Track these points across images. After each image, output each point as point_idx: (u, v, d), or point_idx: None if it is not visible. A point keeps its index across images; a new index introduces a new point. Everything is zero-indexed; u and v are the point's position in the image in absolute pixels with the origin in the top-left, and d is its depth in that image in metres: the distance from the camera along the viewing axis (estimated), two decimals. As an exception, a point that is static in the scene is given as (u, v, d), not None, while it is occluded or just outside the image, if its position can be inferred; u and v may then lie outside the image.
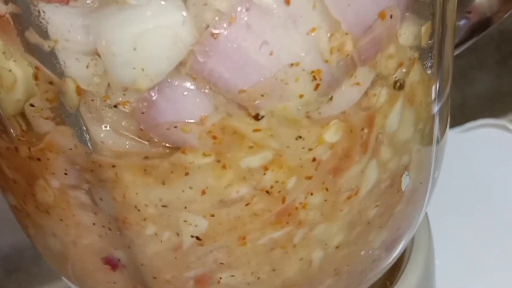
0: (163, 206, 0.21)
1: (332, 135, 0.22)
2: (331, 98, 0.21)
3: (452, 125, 0.56)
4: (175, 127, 0.20)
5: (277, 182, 0.22)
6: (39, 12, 0.19)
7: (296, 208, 0.22)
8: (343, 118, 0.22)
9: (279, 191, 0.22)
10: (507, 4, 0.33)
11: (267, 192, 0.22)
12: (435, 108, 0.26)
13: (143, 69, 0.19)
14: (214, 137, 0.20)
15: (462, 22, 0.34)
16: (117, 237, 0.23)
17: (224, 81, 0.19)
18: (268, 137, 0.21)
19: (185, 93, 0.20)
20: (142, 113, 0.20)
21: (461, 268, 0.43)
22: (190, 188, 0.21)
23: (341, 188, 0.23)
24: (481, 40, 0.35)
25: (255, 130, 0.20)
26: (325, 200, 0.23)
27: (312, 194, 0.22)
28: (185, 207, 0.21)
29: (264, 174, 0.21)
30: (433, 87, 0.25)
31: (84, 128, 0.20)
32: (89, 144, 0.21)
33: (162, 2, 0.18)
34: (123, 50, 0.19)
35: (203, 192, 0.21)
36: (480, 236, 0.46)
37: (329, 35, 0.20)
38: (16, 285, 0.56)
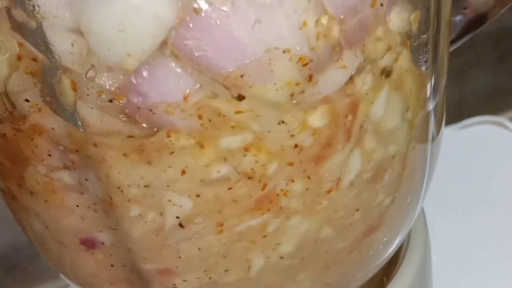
0: (146, 186, 0.21)
1: (317, 119, 0.21)
2: (316, 82, 0.21)
3: (449, 122, 0.56)
4: (157, 108, 0.20)
5: (257, 164, 0.21)
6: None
7: (277, 194, 0.22)
8: (327, 103, 0.21)
9: (261, 176, 0.22)
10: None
11: (249, 177, 0.21)
12: (431, 105, 0.26)
13: (128, 48, 0.19)
14: (200, 117, 0.20)
15: (458, 18, 0.34)
16: (102, 219, 0.23)
17: (206, 60, 0.19)
18: (249, 119, 0.20)
19: (168, 73, 0.19)
20: (125, 96, 0.20)
21: (458, 264, 0.43)
22: (170, 167, 0.21)
23: (323, 178, 0.23)
24: (478, 38, 0.35)
25: (237, 112, 0.20)
26: (307, 189, 0.23)
27: (293, 181, 0.22)
28: (168, 186, 0.21)
29: (244, 155, 0.21)
30: (428, 83, 0.25)
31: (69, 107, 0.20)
32: (73, 123, 0.21)
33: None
34: (106, 28, 0.18)
35: (183, 172, 0.21)
36: (477, 232, 0.46)
37: (316, 18, 0.20)
38: (14, 284, 0.56)
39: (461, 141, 0.53)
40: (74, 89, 0.20)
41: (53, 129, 0.21)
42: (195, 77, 0.20)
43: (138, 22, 0.18)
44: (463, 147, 0.52)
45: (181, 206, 0.22)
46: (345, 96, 0.22)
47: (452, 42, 0.34)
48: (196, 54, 0.19)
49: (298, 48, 0.20)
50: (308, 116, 0.21)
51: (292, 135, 0.21)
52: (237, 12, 0.19)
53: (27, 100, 0.21)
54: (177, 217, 0.22)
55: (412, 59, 0.23)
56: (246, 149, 0.21)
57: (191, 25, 0.19)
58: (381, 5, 0.21)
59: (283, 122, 0.21)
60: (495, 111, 0.63)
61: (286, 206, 0.23)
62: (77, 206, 0.23)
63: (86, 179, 0.22)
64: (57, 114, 0.21)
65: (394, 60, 0.22)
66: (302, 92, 0.21)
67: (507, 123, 0.54)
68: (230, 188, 0.22)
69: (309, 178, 0.22)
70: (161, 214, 0.22)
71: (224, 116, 0.20)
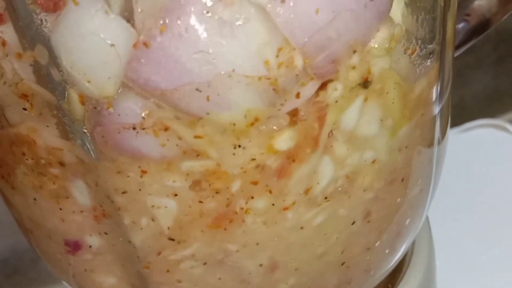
0: (123, 192, 0.22)
1: (284, 142, 0.21)
2: (279, 109, 0.20)
3: (450, 126, 0.56)
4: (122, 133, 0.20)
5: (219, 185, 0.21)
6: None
7: (236, 213, 0.22)
8: (294, 122, 0.21)
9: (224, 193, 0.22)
10: (506, 5, 0.33)
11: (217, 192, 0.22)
12: (436, 109, 0.26)
13: (90, 80, 0.19)
14: (163, 145, 0.20)
15: (461, 25, 0.34)
16: (90, 224, 0.23)
17: (160, 91, 0.19)
18: (206, 144, 0.20)
19: (129, 102, 0.20)
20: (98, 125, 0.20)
21: (461, 269, 0.43)
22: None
23: (289, 191, 0.22)
24: (478, 40, 0.35)
25: (196, 137, 0.20)
26: (273, 205, 0.22)
27: (253, 197, 0.22)
28: (139, 190, 0.21)
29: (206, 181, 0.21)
30: (434, 89, 0.25)
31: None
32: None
33: (106, 13, 0.18)
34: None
35: (143, 172, 0.21)
36: (480, 236, 0.46)
37: (277, 48, 0.19)
38: (14, 288, 0.56)
39: (462, 145, 0.53)
40: (83, 103, 0.20)
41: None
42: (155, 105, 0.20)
43: (96, 54, 0.19)
44: (464, 150, 0.52)
45: (166, 207, 0.22)
46: (313, 105, 0.21)
47: (455, 48, 0.34)
48: (150, 86, 0.19)
49: (255, 74, 0.20)
50: (273, 141, 0.21)
51: (253, 159, 0.21)
52: (186, 43, 0.19)
53: (24, 109, 0.21)
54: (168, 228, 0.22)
55: (397, 68, 0.23)
56: (206, 175, 0.21)
57: (141, 58, 0.19)
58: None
59: (239, 146, 0.21)
60: (495, 113, 0.63)
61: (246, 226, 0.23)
62: (60, 209, 0.23)
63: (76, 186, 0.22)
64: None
65: (373, 75, 0.22)
66: (267, 118, 0.20)
67: (508, 125, 0.54)
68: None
69: (271, 192, 0.22)
70: (153, 220, 0.22)
71: (181, 139, 0.20)
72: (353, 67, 0.21)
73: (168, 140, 0.20)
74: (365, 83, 0.22)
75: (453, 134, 0.55)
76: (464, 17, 0.34)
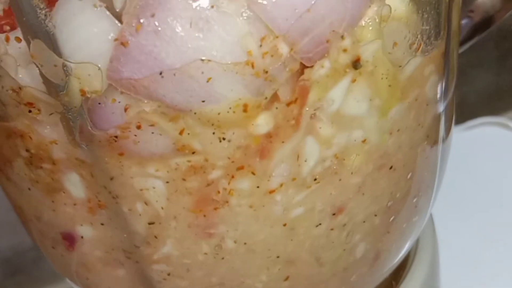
0: (111, 179, 0.22)
1: (262, 127, 0.21)
2: (266, 97, 0.20)
3: (453, 124, 0.56)
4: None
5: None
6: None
7: (219, 192, 0.22)
8: (273, 106, 0.21)
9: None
10: (509, 2, 0.33)
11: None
12: (441, 107, 0.26)
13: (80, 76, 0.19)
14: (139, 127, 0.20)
15: (464, 21, 0.34)
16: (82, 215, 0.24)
17: (143, 89, 0.19)
18: (190, 139, 0.21)
19: (116, 101, 0.20)
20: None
21: (465, 266, 0.43)
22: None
23: (273, 172, 0.22)
24: (481, 38, 0.35)
25: (180, 133, 0.20)
26: (258, 187, 0.22)
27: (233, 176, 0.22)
28: (122, 174, 0.21)
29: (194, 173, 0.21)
30: (439, 86, 0.25)
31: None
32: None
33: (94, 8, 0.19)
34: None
35: (121, 154, 0.21)
36: (482, 234, 0.46)
37: (260, 38, 0.19)
38: (17, 288, 0.56)
39: (465, 143, 0.53)
40: (84, 94, 0.20)
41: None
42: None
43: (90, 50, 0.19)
44: (467, 148, 0.52)
45: (154, 188, 0.22)
46: (295, 83, 0.21)
47: (459, 45, 0.34)
48: (132, 84, 0.19)
49: (240, 69, 0.20)
50: (253, 128, 0.21)
51: (238, 147, 0.21)
52: (163, 39, 0.19)
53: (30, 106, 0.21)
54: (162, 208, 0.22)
55: (387, 49, 0.22)
56: (193, 168, 0.21)
57: (120, 57, 0.19)
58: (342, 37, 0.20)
59: (224, 139, 0.21)
60: (497, 111, 0.63)
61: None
62: (53, 202, 0.24)
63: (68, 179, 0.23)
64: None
65: (362, 54, 0.21)
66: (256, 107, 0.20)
67: (511, 124, 0.54)
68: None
69: (253, 173, 0.22)
70: (146, 204, 0.22)
71: (167, 134, 0.20)
72: (344, 50, 0.21)
73: (153, 135, 0.20)
74: (355, 64, 0.21)
75: (455, 132, 0.54)
76: (467, 14, 0.33)
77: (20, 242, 0.53)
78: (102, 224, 0.24)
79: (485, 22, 0.34)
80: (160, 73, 0.19)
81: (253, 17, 0.19)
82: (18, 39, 0.20)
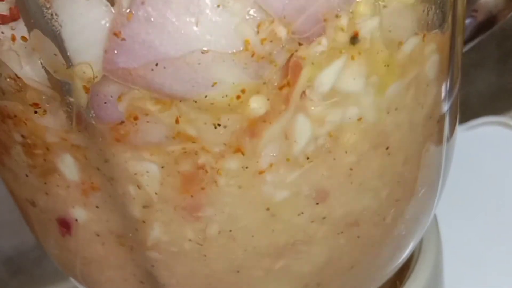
0: (105, 161, 0.22)
1: (257, 110, 0.21)
2: (265, 81, 0.20)
3: (455, 124, 0.56)
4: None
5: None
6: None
7: (207, 171, 0.22)
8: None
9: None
10: (512, 2, 0.33)
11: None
12: (446, 106, 0.26)
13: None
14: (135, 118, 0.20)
15: (468, 21, 0.34)
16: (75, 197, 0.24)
17: (140, 78, 0.19)
18: (187, 128, 0.20)
19: (111, 94, 0.20)
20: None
21: (469, 266, 0.43)
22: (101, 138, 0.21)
23: (262, 151, 0.22)
24: (483, 37, 0.35)
25: (176, 121, 0.20)
26: (247, 167, 0.22)
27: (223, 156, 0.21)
28: (114, 155, 0.21)
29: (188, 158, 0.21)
30: (443, 85, 0.25)
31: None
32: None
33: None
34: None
35: (117, 140, 0.21)
36: (485, 234, 0.46)
37: (257, 23, 0.19)
38: (19, 287, 0.56)
39: (467, 143, 0.53)
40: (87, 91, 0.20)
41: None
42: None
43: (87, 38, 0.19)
44: (469, 148, 0.52)
45: (147, 172, 0.22)
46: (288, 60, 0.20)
47: (463, 44, 0.34)
48: (129, 75, 0.19)
49: (237, 52, 0.19)
50: (249, 111, 0.21)
51: (234, 132, 0.21)
52: (156, 26, 0.19)
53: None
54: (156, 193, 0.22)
55: (386, 25, 0.22)
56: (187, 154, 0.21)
57: (115, 49, 0.19)
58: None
59: (219, 125, 0.20)
60: (499, 111, 0.63)
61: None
62: (45, 183, 0.24)
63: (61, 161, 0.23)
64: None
65: (360, 30, 0.21)
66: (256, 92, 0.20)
67: (513, 123, 0.54)
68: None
69: (243, 154, 0.21)
70: (139, 187, 0.22)
71: (163, 123, 0.20)
72: (341, 27, 0.20)
73: (148, 123, 0.20)
74: (353, 40, 0.21)
75: (457, 132, 0.55)
76: (471, 13, 0.33)
77: (22, 241, 0.53)
78: (97, 207, 0.24)
79: (489, 22, 0.34)
80: (156, 62, 0.19)
81: (248, 2, 0.19)
82: (24, 38, 0.20)
